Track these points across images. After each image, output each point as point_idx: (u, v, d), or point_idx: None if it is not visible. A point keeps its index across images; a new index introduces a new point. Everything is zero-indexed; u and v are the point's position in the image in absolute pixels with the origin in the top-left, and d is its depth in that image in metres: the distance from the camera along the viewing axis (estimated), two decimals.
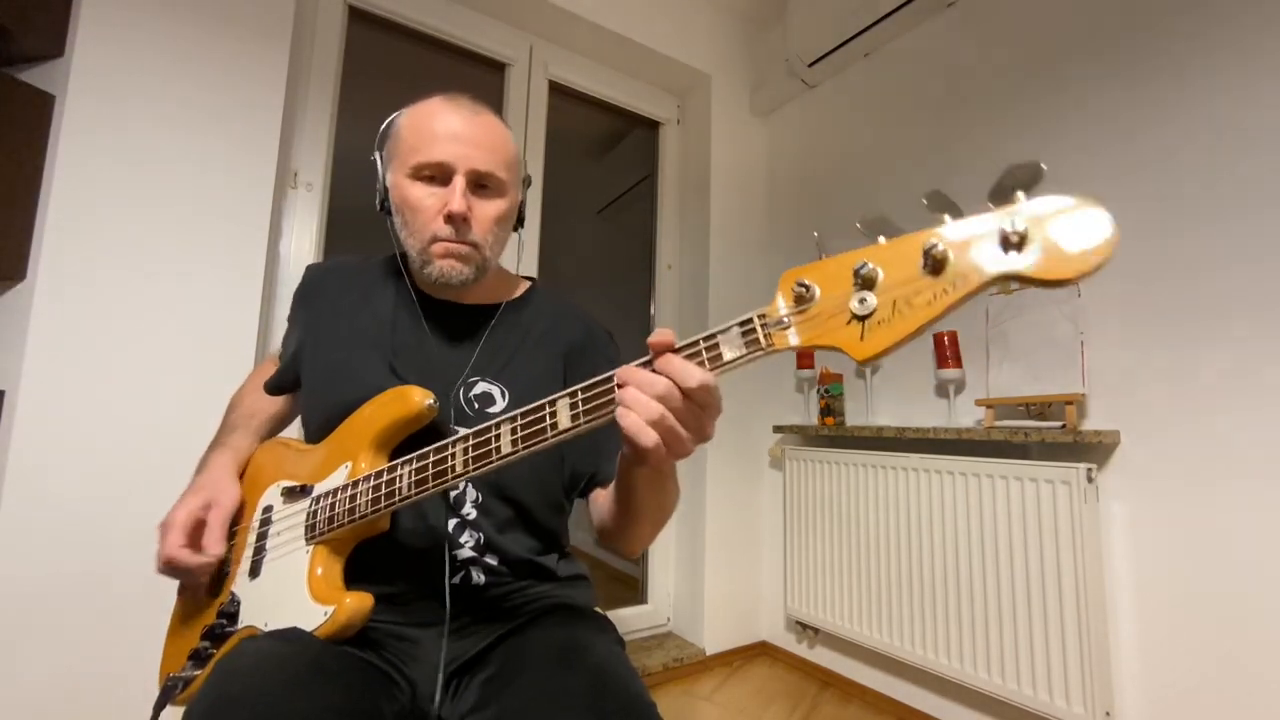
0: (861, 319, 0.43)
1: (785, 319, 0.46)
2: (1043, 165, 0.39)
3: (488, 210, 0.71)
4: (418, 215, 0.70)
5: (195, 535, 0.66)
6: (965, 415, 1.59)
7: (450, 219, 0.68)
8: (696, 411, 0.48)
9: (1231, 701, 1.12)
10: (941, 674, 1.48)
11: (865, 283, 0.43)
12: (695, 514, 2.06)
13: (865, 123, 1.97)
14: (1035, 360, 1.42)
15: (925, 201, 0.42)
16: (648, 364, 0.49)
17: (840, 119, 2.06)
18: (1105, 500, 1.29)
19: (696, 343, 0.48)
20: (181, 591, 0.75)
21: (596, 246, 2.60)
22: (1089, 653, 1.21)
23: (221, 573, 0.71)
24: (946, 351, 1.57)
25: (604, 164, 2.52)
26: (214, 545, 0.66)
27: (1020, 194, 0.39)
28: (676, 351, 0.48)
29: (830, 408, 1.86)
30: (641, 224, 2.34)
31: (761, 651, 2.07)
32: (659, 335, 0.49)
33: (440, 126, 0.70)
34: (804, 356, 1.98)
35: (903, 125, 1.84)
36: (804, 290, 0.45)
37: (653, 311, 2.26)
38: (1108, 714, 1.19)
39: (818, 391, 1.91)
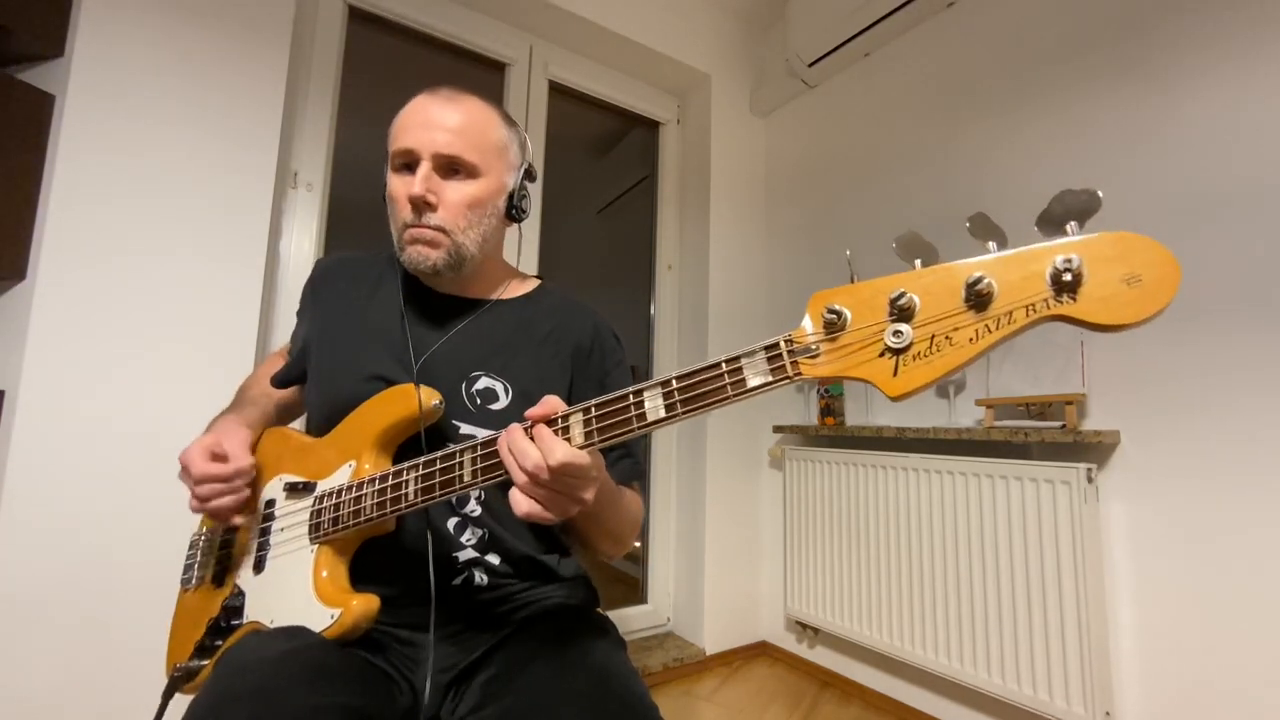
0: (896, 352, 0.40)
1: (814, 346, 0.43)
2: (1100, 194, 0.36)
3: (456, 193, 0.70)
4: (394, 205, 0.71)
5: (216, 459, 0.67)
6: (965, 415, 1.59)
7: (411, 202, 0.69)
8: (566, 484, 0.50)
9: (1231, 701, 1.12)
10: (941, 674, 1.48)
11: (901, 314, 0.40)
12: (695, 514, 2.06)
13: (865, 123, 1.97)
14: (1035, 360, 1.42)
15: (968, 225, 0.39)
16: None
17: (840, 119, 2.06)
18: (1105, 500, 1.29)
19: (718, 365, 0.46)
20: (185, 584, 0.75)
21: (596, 246, 2.60)
22: (1089, 653, 1.21)
23: (224, 566, 0.71)
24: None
25: (604, 164, 2.52)
26: (238, 458, 0.67)
27: (1073, 225, 0.36)
28: (682, 380, 0.48)
29: (830, 408, 1.86)
30: (641, 224, 2.33)
31: (761, 651, 2.07)
32: (540, 408, 0.52)
33: (414, 116, 0.71)
34: None
35: (903, 125, 1.84)
36: (835, 317, 0.42)
37: (653, 311, 2.26)
38: (1108, 714, 1.19)
39: (818, 391, 1.91)
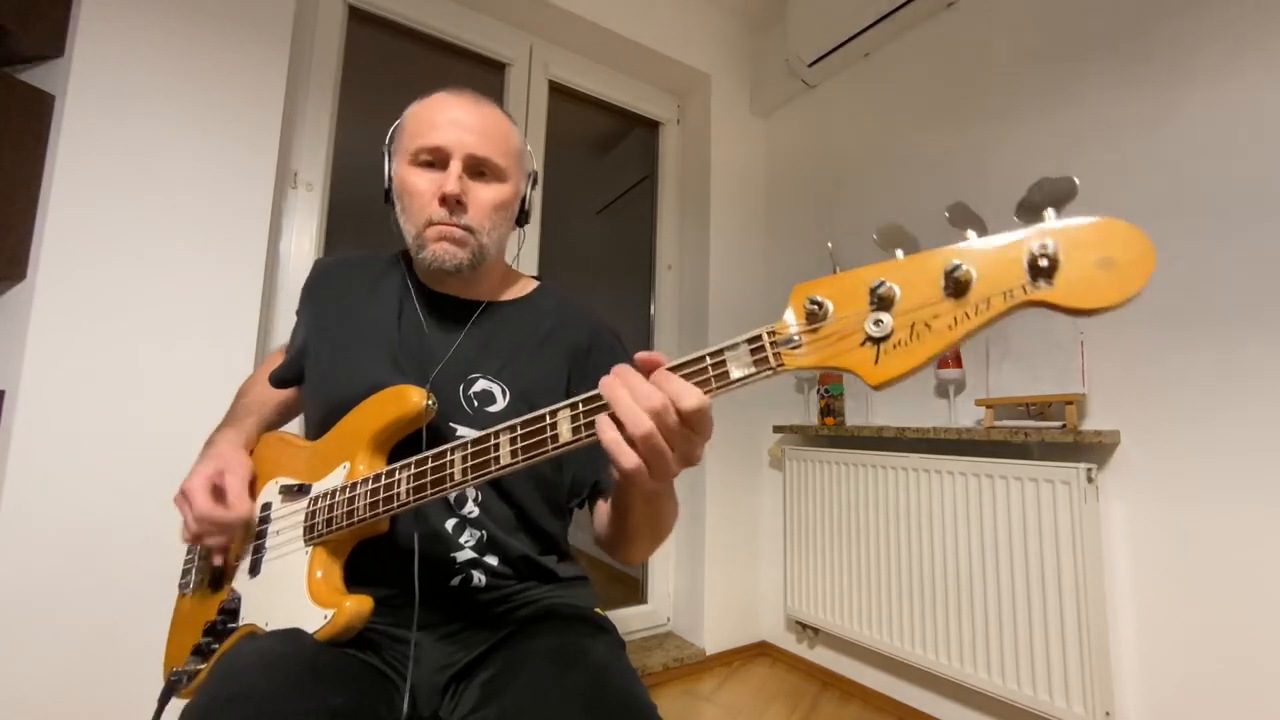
0: (877, 341, 0.41)
1: (796, 337, 0.44)
2: (1076, 180, 0.36)
3: (484, 195, 0.71)
4: (414, 199, 0.70)
5: (218, 496, 0.66)
6: (965, 415, 1.59)
7: (444, 201, 0.69)
8: (688, 434, 0.46)
9: (1231, 701, 1.12)
10: (941, 674, 1.48)
11: (882, 303, 0.40)
12: (695, 514, 2.06)
13: (865, 123, 1.97)
14: (1035, 360, 1.41)
15: (947, 215, 0.39)
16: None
17: (840, 119, 2.06)
18: (1105, 500, 1.29)
19: (703, 358, 0.46)
20: (182, 588, 0.75)
21: (596, 246, 2.60)
22: (1089, 653, 1.20)
23: (221, 570, 0.71)
24: (946, 351, 1.57)
25: (604, 164, 2.52)
26: (239, 503, 0.66)
27: (1050, 211, 0.36)
28: (677, 369, 0.47)
29: (830, 408, 1.86)
30: (641, 224, 2.33)
31: (761, 651, 2.07)
32: (650, 355, 0.48)
33: (441, 114, 0.71)
34: None
35: (903, 125, 1.84)
36: (816, 308, 0.43)
37: (653, 311, 2.26)
38: (1108, 714, 1.19)
39: (818, 391, 1.91)
